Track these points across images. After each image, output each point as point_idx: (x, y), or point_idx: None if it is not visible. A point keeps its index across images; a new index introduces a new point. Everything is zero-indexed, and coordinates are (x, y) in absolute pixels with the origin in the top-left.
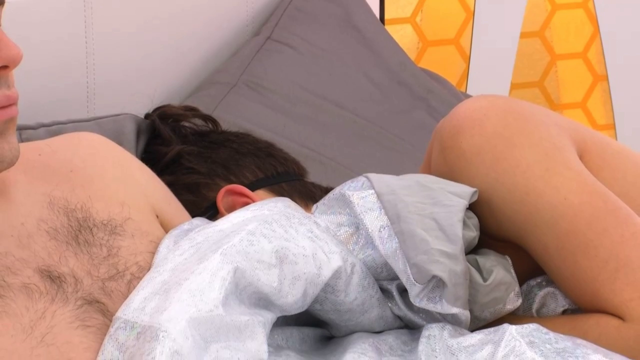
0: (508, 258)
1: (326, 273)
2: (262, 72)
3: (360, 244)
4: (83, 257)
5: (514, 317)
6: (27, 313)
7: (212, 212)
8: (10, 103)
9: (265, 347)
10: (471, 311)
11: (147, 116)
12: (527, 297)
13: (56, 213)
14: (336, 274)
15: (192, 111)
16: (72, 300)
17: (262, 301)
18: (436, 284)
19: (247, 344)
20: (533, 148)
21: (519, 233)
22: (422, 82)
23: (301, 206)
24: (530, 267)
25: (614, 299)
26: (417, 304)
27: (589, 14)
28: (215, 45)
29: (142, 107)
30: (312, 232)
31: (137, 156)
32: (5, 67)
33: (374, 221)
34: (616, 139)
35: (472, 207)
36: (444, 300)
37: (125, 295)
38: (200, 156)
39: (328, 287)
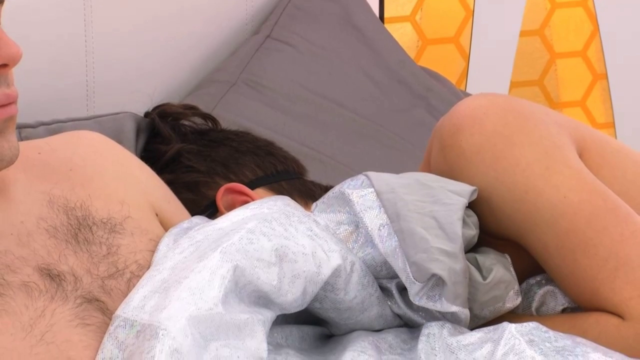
0: (507, 256)
1: (326, 271)
2: (261, 70)
3: (360, 243)
4: (82, 255)
5: (514, 316)
6: (26, 311)
7: (211, 211)
8: (10, 101)
9: (264, 346)
10: (471, 309)
11: (146, 115)
12: (526, 295)
13: (56, 211)
14: (336, 273)
15: (192, 110)
16: (71, 299)
17: (261, 299)
18: (436, 282)
19: (247, 342)
20: (533, 146)
21: (519, 231)
22: (421, 80)
23: (301, 205)
24: (529, 266)
25: (613, 298)
26: (417, 303)
27: (588, 13)
28: (215, 44)
29: (141, 105)
30: (311, 231)
31: (136, 155)
32: (5, 65)
33: (374, 219)
34: (615, 137)
35: (471, 206)
36: (443, 298)
37: (125, 294)
38: (199, 154)
39: (327, 286)
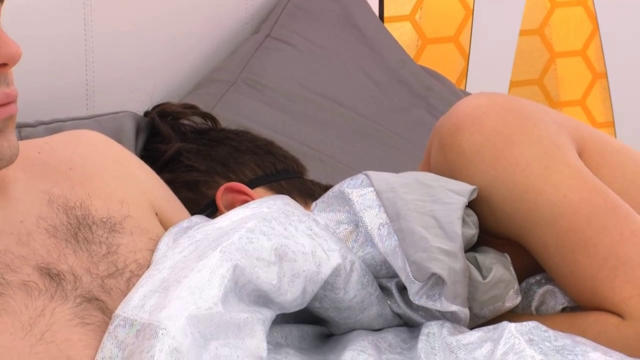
0: (507, 256)
1: (325, 271)
2: (261, 70)
3: (360, 242)
4: (82, 254)
5: (513, 315)
6: (26, 310)
7: (211, 210)
8: (10, 101)
9: (264, 345)
10: (470, 309)
11: (146, 114)
12: (526, 294)
13: (55, 211)
14: (335, 272)
15: (192, 109)
16: (71, 298)
17: (261, 299)
18: (435, 281)
19: (247, 341)
20: (532, 146)
21: (518, 231)
22: (421, 79)
23: (300, 204)
24: (529, 265)
25: (613, 297)
26: (417, 302)
27: (588, 12)
28: (215, 43)
29: (141, 104)
30: (311, 230)
31: (136, 154)
32: (5, 64)
33: (374, 219)
34: (615, 136)
35: (471, 205)
36: (443, 297)
37: (125, 293)
38: (199, 154)
39: (327, 285)
